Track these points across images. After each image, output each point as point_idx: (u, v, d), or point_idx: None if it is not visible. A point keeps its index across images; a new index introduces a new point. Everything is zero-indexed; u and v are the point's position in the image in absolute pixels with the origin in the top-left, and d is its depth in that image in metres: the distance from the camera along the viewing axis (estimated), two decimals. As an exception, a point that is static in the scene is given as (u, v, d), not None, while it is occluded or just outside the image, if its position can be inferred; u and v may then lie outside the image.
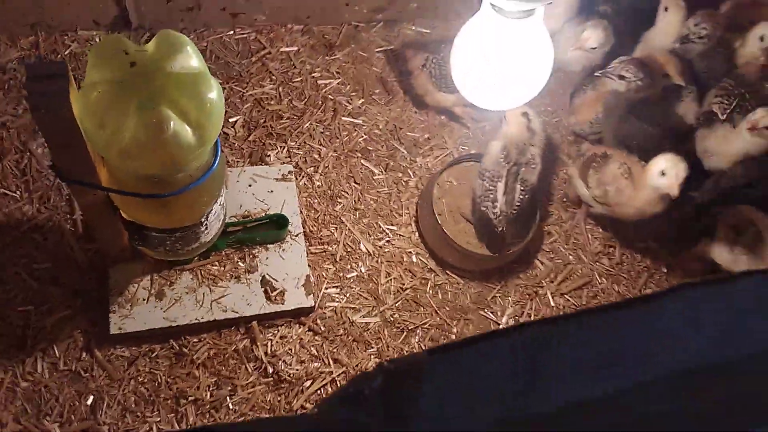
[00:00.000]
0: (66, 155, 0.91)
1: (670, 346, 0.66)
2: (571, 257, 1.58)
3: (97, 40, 1.58)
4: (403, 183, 1.59)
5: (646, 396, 0.66)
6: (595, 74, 1.47)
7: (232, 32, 1.66)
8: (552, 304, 1.53)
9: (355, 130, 1.62)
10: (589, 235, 1.60)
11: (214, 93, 0.88)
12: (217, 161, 1.00)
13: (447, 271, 1.52)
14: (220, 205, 1.14)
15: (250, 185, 1.46)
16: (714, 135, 1.45)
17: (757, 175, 1.41)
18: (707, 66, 1.53)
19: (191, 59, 0.88)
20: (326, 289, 1.44)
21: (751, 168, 1.41)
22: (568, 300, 1.54)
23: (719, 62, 1.52)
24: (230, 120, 1.57)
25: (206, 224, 1.12)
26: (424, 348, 1.43)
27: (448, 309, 1.48)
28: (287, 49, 1.68)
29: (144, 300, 1.32)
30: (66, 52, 1.55)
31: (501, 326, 1.49)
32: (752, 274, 0.65)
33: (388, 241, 1.52)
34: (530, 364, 0.58)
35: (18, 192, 1.42)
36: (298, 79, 1.65)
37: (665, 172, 1.33)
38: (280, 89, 1.63)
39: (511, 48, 0.94)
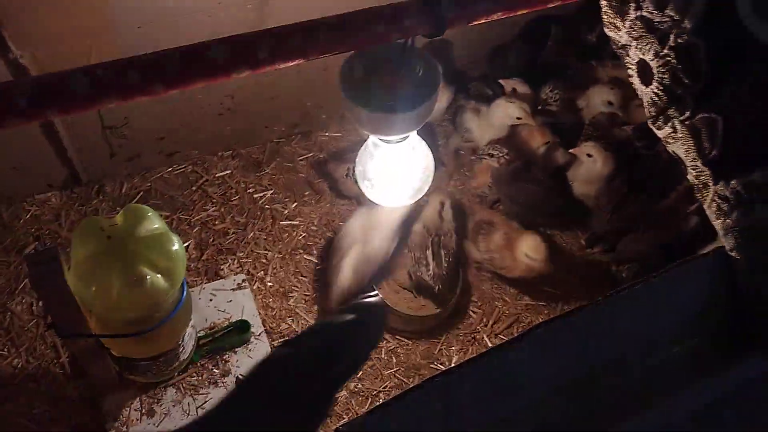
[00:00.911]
0: (62, 315, 1.12)
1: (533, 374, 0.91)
2: (497, 302, 1.84)
3: (53, 200, 1.80)
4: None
5: (541, 412, 0.91)
6: (471, 158, 1.82)
7: (171, 169, 1.90)
8: (489, 344, 1.77)
9: (294, 231, 1.87)
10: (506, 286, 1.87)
11: (176, 245, 1.12)
12: (184, 294, 1.22)
13: (396, 336, 1.75)
14: (191, 326, 1.35)
15: (210, 299, 1.68)
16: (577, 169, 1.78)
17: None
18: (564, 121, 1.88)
19: (154, 222, 1.12)
20: (295, 375, 1.65)
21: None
22: (503, 338, 1.79)
23: (572, 117, 1.87)
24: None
25: (182, 345, 1.33)
26: (388, 408, 1.64)
27: (403, 369, 1.71)
28: (222, 173, 1.92)
29: (137, 420, 1.50)
30: (27, 216, 1.76)
31: (450, 374, 1.72)
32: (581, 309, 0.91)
33: (340, 322, 1.74)
34: (444, 405, 0.82)
35: (6, 349, 1.59)
36: (236, 197, 1.90)
37: (528, 255, 1.64)
38: (222, 209, 1.87)
39: (395, 162, 1.22)
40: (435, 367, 1.72)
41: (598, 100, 1.83)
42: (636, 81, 1.06)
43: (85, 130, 1.66)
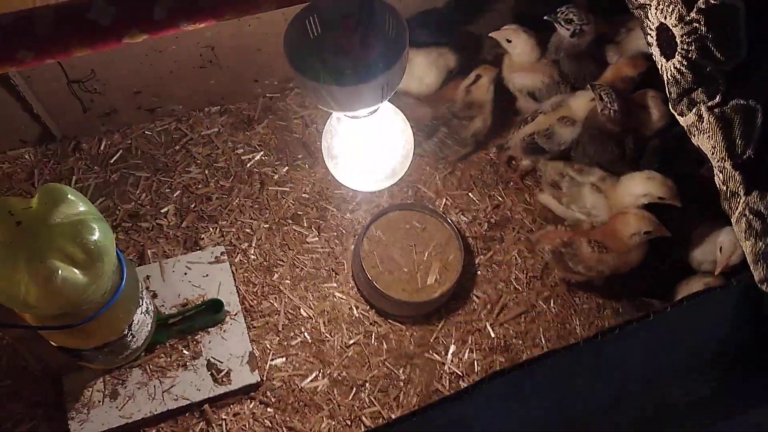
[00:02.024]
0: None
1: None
2: (502, 286, 1.64)
3: (27, 156, 1.68)
4: (336, 240, 1.66)
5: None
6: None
7: (153, 125, 1.74)
8: (492, 335, 1.59)
9: (284, 198, 1.70)
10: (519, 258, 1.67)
11: (96, 234, 0.96)
12: (123, 283, 1.07)
13: (389, 321, 1.59)
14: (143, 313, 1.22)
15: (185, 273, 1.54)
16: None
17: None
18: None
19: (74, 206, 0.96)
20: (272, 360, 1.51)
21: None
22: (508, 329, 1.61)
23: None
24: (162, 211, 1.65)
25: (131, 333, 1.20)
26: (374, 401, 1.50)
27: (393, 357, 1.55)
28: (208, 131, 1.76)
29: (99, 402, 1.40)
30: (-1, 174, 1.64)
31: (446, 365, 1.56)
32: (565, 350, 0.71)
33: (328, 301, 1.59)
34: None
35: (-29, 317, 1.51)
36: (223, 158, 1.73)
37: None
38: (206, 172, 1.71)
39: (363, 140, 1.02)
40: (429, 356, 1.56)
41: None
42: (656, 52, 0.82)
43: (47, 86, 1.51)
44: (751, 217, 0.73)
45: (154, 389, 1.42)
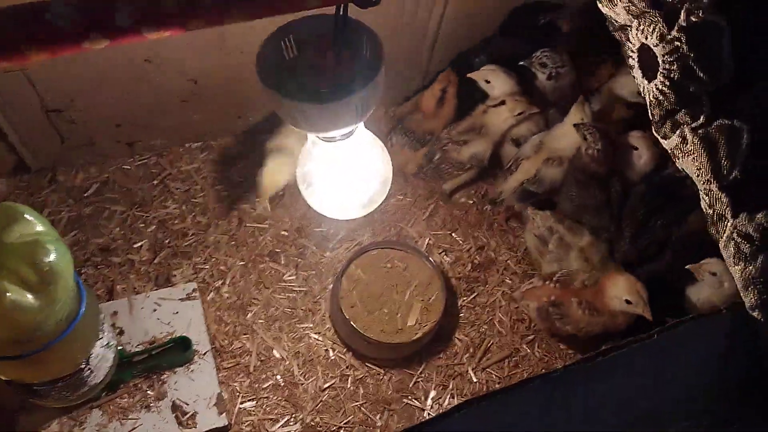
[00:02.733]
0: None
1: None
2: (486, 329, 1.58)
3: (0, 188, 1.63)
4: (315, 279, 1.61)
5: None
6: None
7: (132, 159, 1.71)
8: (474, 380, 1.53)
9: (261, 235, 1.65)
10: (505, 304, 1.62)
11: (52, 256, 0.91)
12: (82, 310, 1.01)
13: (366, 364, 1.52)
14: (103, 346, 1.15)
15: (154, 310, 1.48)
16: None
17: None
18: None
19: (30, 226, 0.91)
20: (241, 403, 1.43)
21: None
22: (491, 374, 1.54)
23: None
24: (134, 246, 1.59)
25: (89, 368, 1.13)
26: (347, 448, 1.42)
27: (370, 403, 1.48)
28: (187, 167, 1.72)
29: (56, 445, 1.31)
30: (-33, 205, 1.59)
31: (425, 411, 1.48)
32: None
33: (303, 343, 1.53)
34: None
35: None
36: (201, 194, 1.69)
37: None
38: (183, 207, 1.66)
39: (339, 165, 0.98)
40: (408, 402, 1.49)
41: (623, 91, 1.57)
42: (637, 74, 0.80)
43: (23, 114, 1.47)
44: (740, 240, 0.70)
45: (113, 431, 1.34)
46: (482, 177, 1.77)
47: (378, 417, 1.46)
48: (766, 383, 0.72)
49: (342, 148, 0.96)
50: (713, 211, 0.73)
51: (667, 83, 0.74)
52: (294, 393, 1.46)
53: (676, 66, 0.72)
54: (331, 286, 1.59)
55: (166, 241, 1.61)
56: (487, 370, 1.54)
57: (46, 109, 1.48)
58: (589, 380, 0.70)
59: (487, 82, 1.62)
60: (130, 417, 1.35)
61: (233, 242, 1.64)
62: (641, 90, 0.80)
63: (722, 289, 1.31)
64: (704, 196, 0.74)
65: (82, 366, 1.11)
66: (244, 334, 1.52)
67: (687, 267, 1.31)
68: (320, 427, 1.43)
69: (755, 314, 0.69)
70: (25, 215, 0.92)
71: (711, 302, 1.33)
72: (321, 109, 0.84)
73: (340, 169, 0.99)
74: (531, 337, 1.58)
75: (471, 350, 1.56)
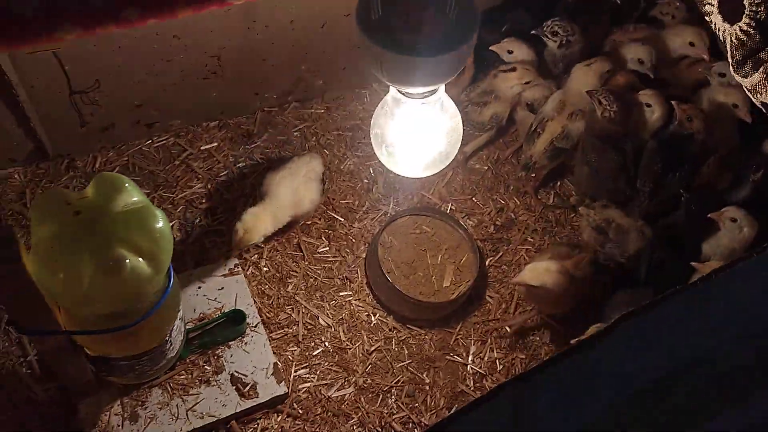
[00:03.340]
0: (24, 309, 0.92)
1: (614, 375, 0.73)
2: (506, 290, 1.66)
3: (16, 176, 1.58)
4: (347, 250, 1.64)
5: (616, 418, 0.73)
6: (531, 32, 1.63)
7: (150, 141, 1.69)
8: (510, 333, 1.60)
9: (289, 210, 1.67)
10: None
11: (161, 222, 0.92)
12: (171, 281, 1.02)
13: (407, 326, 1.57)
14: (179, 318, 1.16)
15: (199, 287, 1.48)
16: None
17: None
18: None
19: (132, 195, 0.92)
20: (296, 371, 1.46)
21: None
22: (524, 326, 1.62)
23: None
24: (166, 227, 1.58)
25: (170, 341, 1.14)
26: (402, 406, 1.47)
27: (416, 362, 1.53)
28: (208, 146, 1.72)
29: (119, 425, 1.31)
30: (-14, 195, 1.54)
31: (468, 366, 1.55)
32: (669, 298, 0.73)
33: (345, 310, 1.56)
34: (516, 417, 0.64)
35: (-36, 346, 1.39)
36: (224, 173, 1.69)
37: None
38: (209, 186, 1.66)
39: (418, 123, 1.03)
40: (451, 358, 1.55)
41: (628, 57, 1.66)
42: (717, 18, 0.88)
43: (49, 95, 1.44)
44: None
45: (176, 408, 1.34)
46: (493, 141, 1.84)
47: (425, 374, 1.52)
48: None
49: (423, 106, 1.01)
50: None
51: (753, 24, 0.82)
52: (344, 358, 1.50)
53: (762, 8, 0.80)
54: (365, 254, 1.63)
55: (197, 221, 1.61)
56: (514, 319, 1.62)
57: (71, 91, 1.45)
58: (686, 311, 0.77)
59: (510, 52, 1.69)
60: (191, 393, 1.36)
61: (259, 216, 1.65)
62: (719, 34, 0.88)
63: (742, 235, 1.42)
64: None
65: (166, 338, 1.11)
66: (288, 305, 1.54)
67: (709, 215, 1.41)
68: (372, 388, 1.48)
69: None
70: (126, 184, 0.92)
71: (731, 248, 1.44)
72: (417, 63, 0.88)
73: (420, 128, 1.04)
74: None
75: (503, 306, 1.63)
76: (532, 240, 1.73)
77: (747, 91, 0.87)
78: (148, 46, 1.42)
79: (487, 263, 1.68)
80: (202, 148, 1.71)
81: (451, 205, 1.75)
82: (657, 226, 1.58)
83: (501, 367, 1.56)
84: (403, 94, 0.97)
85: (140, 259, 0.89)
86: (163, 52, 1.45)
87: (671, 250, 1.53)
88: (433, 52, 0.86)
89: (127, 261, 0.87)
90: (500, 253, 1.70)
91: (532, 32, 1.69)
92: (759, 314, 0.82)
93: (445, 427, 0.62)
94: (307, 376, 1.47)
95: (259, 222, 1.51)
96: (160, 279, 0.95)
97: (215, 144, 1.73)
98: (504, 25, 1.75)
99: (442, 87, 0.98)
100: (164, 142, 1.70)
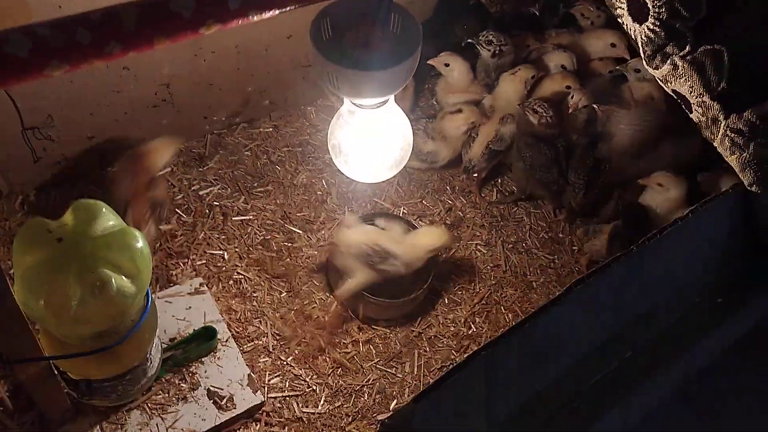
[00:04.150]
0: (9, 340, 0.95)
1: (577, 334, 0.83)
2: (467, 277, 1.76)
3: (-30, 215, 1.58)
4: (308, 260, 1.71)
5: (579, 373, 0.83)
6: (467, 41, 1.76)
7: (104, 172, 1.71)
8: (473, 326, 1.69)
9: (249, 226, 1.73)
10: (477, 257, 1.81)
11: (140, 242, 0.97)
12: (150, 298, 1.07)
13: (373, 326, 1.65)
14: (157, 336, 1.20)
15: (167, 308, 1.52)
16: None
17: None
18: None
19: (109, 219, 0.96)
20: (270, 380, 1.51)
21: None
22: (475, 311, 1.72)
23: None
24: (128, 253, 1.61)
25: (150, 358, 1.18)
26: (375, 402, 1.54)
27: (384, 359, 1.61)
28: (161, 172, 1.75)
29: (100, 451, 1.33)
30: (-59, 237, 1.53)
31: (431, 358, 1.64)
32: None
33: (311, 317, 1.62)
34: (490, 379, 0.73)
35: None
36: (180, 196, 1.73)
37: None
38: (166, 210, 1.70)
39: (373, 131, 1.11)
40: (420, 352, 1.63)
41: (551, 64, 1.80)
42: (628, 20, 1.00)
43: (1, 133, 1.45)
44: (733, 135, 0.91)
45: (157, 427, 1.37)
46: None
47: (393, 369, 1.60)
48: (764, 252, 0.95)
49: (375, 115, 1.09)
50: (707, 118, 0.94)
51: (657, 23, 0.94)
52: (315, 363, 1.56)
53: (664, 9, 0.93)
54: (327, 263, 1.70)
55: (157, 245, 1.65)
56: (477, 313, 1.72)
57: (23, 127, 1.47)
58: (622, 270, 0.88)
59: (447, 65, 1.80)
60: (169, 411, 1.40)
61: (223, 236, 1.70)
62: (631, 34, 1.00)
63: (670, 195, 1.56)
64: (697, 108, 0.95)
65: (147, 354, 1.15)
66: (256, 318, 1.59)
67: (639, 180, 1.56)
68: (345, 388, 1.55)
69: (754, 189, 0.91)
70: (103, 210, 0.97)
71: (665, 208, 1.59)
72: (367, 76, 0.96)
73: (373, 135, 1.12)
74: (507, 278, 1.77)
75: (460, 298, 1.73)
76: (480, 235, 1.84)
77: (659, 81, 1.00)
78: (98, 79, 1.46)
79: (442, 260, 1.78)
80: (156, 174, 1.75)
81: (403, 208, 1.84)
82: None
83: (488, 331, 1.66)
84: (356, 105, 1.06)
85: (123, 278, 0.94)
86: (114, 84, 1.49)
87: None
88: (382, 65, 0.95)
89: (113, 281, 0.91)
90: (453, 250, 1.80)
91: (468, 41, 1.80)
92: (689, 270, 0.94)
93: (428, 393, 0.70)
94: (281, 383, 1.52)
95: None
96: (142, 297, 0.99)
97: (168, 169, 1.77)
98: (438, 38, 1.86)
99: (391, 98, 1.07)
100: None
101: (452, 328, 1.68)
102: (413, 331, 1.67)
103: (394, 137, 1.14)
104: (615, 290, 0.84)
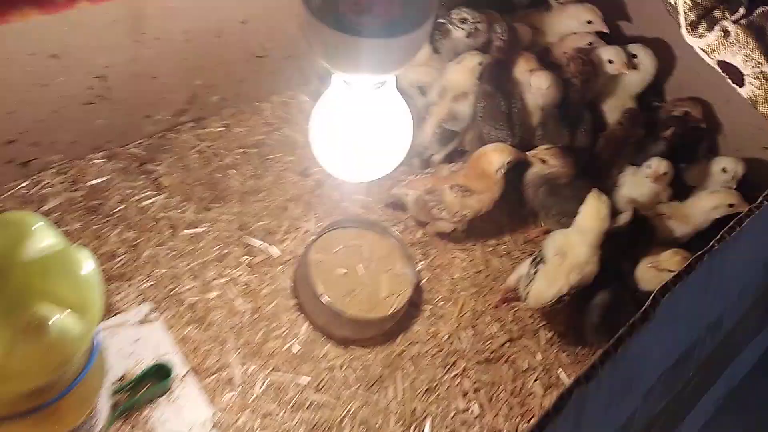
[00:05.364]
0: None
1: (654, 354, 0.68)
2: (448, 286, 1.60)
3: None
4: (271, 277, 1.50)
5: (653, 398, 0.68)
6: (438, 20, 1.58)
7: (28, 183, 1.46)
8: (456, 339, 1.53)
9: (201, 240, 1.51)
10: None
11: (87, 265, 0.75)
12: (99, 334, 0.85)
13: (349, 347, 1.46)
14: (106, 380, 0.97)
15: (111, 342, 1.28)
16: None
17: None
18: None
19: (46, 237, 0.74)
20: (237, 420, 1.30)
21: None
22: (472, 330, 1.56)
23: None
24: (60, 278, 1.36)
25: (98, 410, 0.95)
26: (359, 434, 1.35)
27: (364, 384, 1.42)
28: (96, 181, 1.51)
29: None
30: None
31: (416, 379, 1.46)
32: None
33: (279, 341, 1.42)
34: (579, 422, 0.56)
35: None
36: (119, 208, 1.50)
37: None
38: (104, 226, 1.46)
39: (368, 119, 0.93)
40: (403, 373, 1.45)
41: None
42: (668, -18, 0.86)
43: None
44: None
45: (105, 488, 1.14)
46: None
47: (375, 395, 1.41)
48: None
49: (371, 98, 0.91)
50: (764, 91, 0.81)
51: (706, -18, 0.81)
52: (288, 396, 1.36)
53: (715, -34, 0.80)
54: (293, 279, 1.50)
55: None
56: (462, 327, 1.56)
57: None
58: (703, 272, 0.74)
59: None
60: (120, 466, 1.17)
61: (173, 253, 1.47)
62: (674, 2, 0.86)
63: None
64: (753, 80, 0.82)
65: (94, 408, 0.92)
66: (216, 348, 1.38)
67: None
68: (324, 420, 1.35)
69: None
70: (37, 224, 0.74)
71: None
72: (366, 45, 0.78)
73: (368, 123, 0.94)
74: (489, 284, 1.62)
75: (443, 310, 1.57)
76: (457, 238, 1.68)
77: (702, 52, 0.87)
78: (20, 70, 1.21)
79: (419, 268, 1.61)
80: (90, 183, 1.50)
81: (374, 215, 1.66)
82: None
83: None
84: (349, 84, 0.87)
85: (67, 314, 0.72)
86: (39, 76, 1.25)
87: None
88: (386, 34, 0.77)
89: (52, 320, 0.69)
90: (430, 257, 1.64)
91: (439, 20, 1.63)
92: (752, 269, 0.81)
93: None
94: (250, 422, 1.31)
95: None
96: (90, 336, 0.77)
97: (105, 177, 1.52)
98: None
99: (393, 79, 0.89)
100: (46, 182, 1.47)
101: (437, 344, 1.52)
102: (394, 350, 1.49)
103: (393, 127, 0.96)
104: (693, 296, 0.70)
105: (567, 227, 1.46)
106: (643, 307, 0.64)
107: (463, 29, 1.63)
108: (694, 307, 0.72)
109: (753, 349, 0.81)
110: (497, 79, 1.59)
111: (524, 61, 1.65)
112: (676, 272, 0.67)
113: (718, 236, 0.73)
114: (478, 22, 1.62)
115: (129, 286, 1.40)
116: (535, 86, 1.60)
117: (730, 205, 1.44)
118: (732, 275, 0.78)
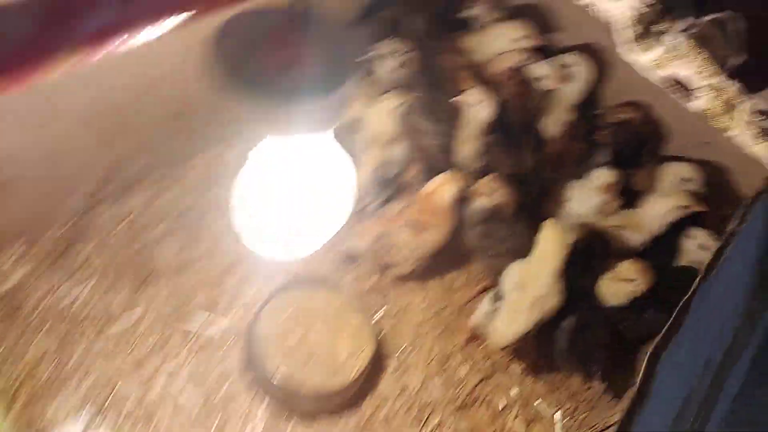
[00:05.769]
0: None
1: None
2: (410, 332, 1.50)
3: None
4: (217, 360, 1.37)
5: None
6: (357, 60, 1.47)
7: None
8: (430, 387, 1.43)
9: (134, 333, 1.36)
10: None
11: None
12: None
13: (316, 419, 1.34)
14: None
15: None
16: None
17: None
18: None
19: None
20: None
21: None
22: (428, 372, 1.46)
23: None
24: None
25: None
26: None
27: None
28: (8, 282, 1.35)
29: None
30: None
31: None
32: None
33: (236, 428, 1.29)
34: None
35: None
36: (36, 312, 1.34)
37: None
38: (22, 334, 1.30)
39: (302, 178, 0.83)
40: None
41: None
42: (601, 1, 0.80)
43: None
44: (760, 118, 0.74)
45: None
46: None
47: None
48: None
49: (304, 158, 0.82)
50: (721, 102, 0.76)
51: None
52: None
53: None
54: (244, 360, 1.37)
55: (13, 388, 1.25)
56: (430, 375, 1.46)
57: None
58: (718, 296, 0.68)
59: None
60: None
61: (103, 353, 1.32)
62: (610, 17, 0.81)
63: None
64: (707, 92, 0.77)
65: None
66: (166, 445, 1.23)
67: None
68: None
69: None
70: None
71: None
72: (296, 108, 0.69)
73: (300, 187, 0.84)
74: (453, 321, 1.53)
75: (409, 359, 1.46)
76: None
77: (648, 68, 0.81)
78: None
79: (376, 318, 1.50)
80: (3, 289, 1.34)
81: (323, 266, 1.54)
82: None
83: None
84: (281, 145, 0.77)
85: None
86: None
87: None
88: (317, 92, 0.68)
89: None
90: (389, 303, 1.53)
91: (359, 60, 1.54)
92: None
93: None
94: None
95: None
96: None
97: (20, 273, 1.38)
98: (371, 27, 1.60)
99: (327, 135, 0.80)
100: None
101: (407, 399, 1.41)
102: (363, 414, 1.38)
103: (332, 188, 0.87)
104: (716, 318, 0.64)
105: (501, 269, 1.39)
106: (675, 314, 0.57)
107: (389, 63, 1.54)
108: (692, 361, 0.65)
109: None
110: (430, 112, 1.51)
111: (458, 85, 1.58)
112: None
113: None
114: (407, 51, 1.54)
115: (62, 399, 1.25)
116: (470, 104, 1.53)
117: (684, 207, 1.41)
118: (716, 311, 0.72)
